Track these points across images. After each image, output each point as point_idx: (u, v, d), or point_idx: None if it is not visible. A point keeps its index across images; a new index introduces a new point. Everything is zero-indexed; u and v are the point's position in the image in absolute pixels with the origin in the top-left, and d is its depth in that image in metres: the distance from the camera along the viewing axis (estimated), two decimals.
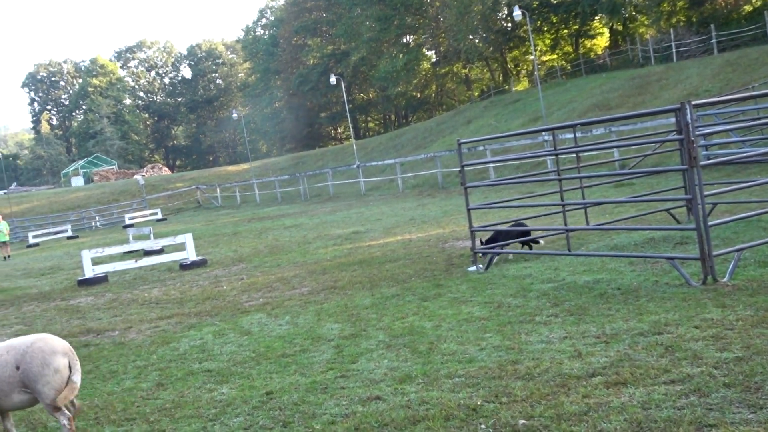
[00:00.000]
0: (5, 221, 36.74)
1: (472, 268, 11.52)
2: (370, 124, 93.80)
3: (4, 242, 34.81)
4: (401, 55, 71.78)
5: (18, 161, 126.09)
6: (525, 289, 9.53)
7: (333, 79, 51.90)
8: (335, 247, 17.89)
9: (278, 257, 17.44)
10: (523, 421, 5.02)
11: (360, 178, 41.46)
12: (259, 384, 6.83)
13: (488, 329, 7.72)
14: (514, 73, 70.74)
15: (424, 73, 76.36)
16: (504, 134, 11.26)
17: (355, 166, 43.26)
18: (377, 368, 6.83)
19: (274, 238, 22.53)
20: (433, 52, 78.39)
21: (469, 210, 12.06)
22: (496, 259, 11.76)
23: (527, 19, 43.33)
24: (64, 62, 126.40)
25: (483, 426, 5.06)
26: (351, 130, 56.90)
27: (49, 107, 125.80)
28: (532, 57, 53.03)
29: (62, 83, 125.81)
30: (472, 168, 29.08)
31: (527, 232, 12.32)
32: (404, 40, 75.45)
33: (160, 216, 48.37)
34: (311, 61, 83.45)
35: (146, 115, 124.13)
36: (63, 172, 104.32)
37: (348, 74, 72.79)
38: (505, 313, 8.39)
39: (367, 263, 14.03)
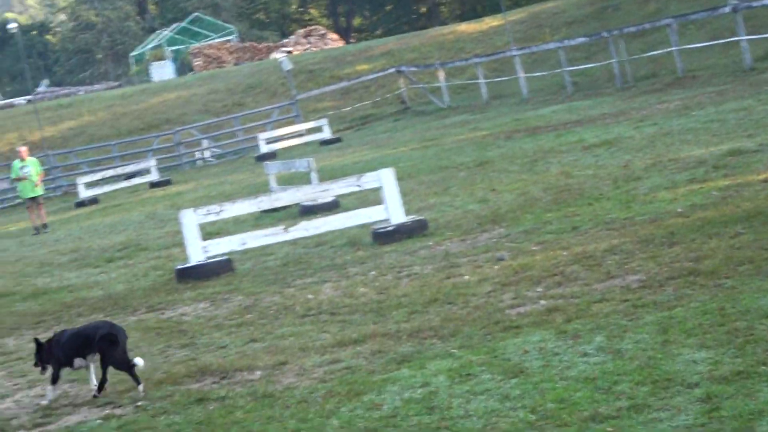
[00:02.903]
0: (33, 158, 38.98)
1: None
2: None
3: (33, 198, 36.93)
4: None
5: (48, 37, 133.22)
6: None
7: None
8: (693, 186, 17.64)
9: (573, 211, 17.44)
10: None
11: (740, 36, 40.38)
12: None
13: None
14: None
15: None
16: None
17: (728, 8, 42.21)
18: None
19: (561, 172, 22.56)
20: None
21: None
22: None
23: None
24: None
25: None
26: None
27: None
28: None
29: None
30: None
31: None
32: None
33: (327, 135, 49.40)
34: None
35: None
36: (133, 54, 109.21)
37: None
38: None
39: (765, 218, 13.79)
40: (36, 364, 12.15)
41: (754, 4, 41.99)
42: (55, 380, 11.95)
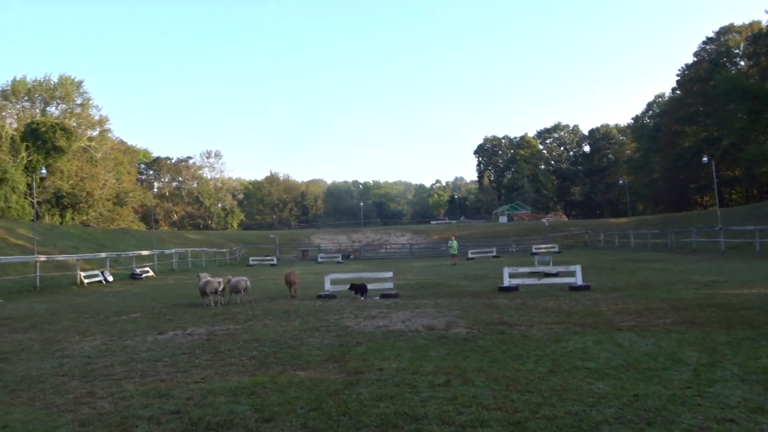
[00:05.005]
0: (456, 240, 39.40)
1: None
2: (733, 196, 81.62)
3: (453, 254, 37.38)
4: None
5: (466, 202, 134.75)
6: None
7: (705, 159, 46.62)
8: (695, 290, 15.82)
9: (647, 292, 15.94)
10: None
11: (720, 238, 36.37)
12: (628, 386, 6.31)
13: None
14: None
15: None
16: None
17: (717, 228, 38.08)
18: (731, 395, 5.88)
19: (643, 277, 20.74)
20: None
21: None
22: None
23: None
24: (503, 138, 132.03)
25: None
26: (716, 199, 50.37)
27: (489, 168, 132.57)
28: None
29: (500, 152, 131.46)
30: None
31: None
32: None
33: (557, 249, 47.66)
34: (686, 144, 76.01)
35: (554, 177, 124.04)
36: (494, 211, 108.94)
37: (717, 155, 64.41)
38: None
39: (724, 307, 12.13)
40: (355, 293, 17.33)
41: (729, 228, 37.50)
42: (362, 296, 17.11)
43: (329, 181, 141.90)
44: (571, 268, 18.25)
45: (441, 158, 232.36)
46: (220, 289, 16.85)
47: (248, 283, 17.28)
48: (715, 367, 7.07)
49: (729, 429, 4.88)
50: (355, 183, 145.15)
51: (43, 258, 26.29)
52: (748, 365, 7.09)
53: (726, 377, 6.57)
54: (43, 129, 61.30)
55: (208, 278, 17.15)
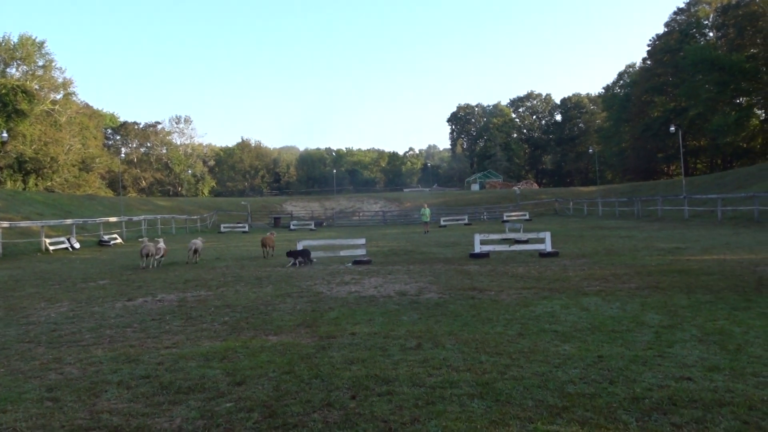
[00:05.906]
0: (428, 208, 39.54)
1: None
2: (698, 165, 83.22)
3: (426, 222, 37.55)
4: (733, 113, 63.24)
5: (439, 170, 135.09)
6: None
7: (672, 129, 47.39)
8: (659, 256, 16.23)
9: (613, 258, 16.31)
10: None
11: (685, 207, 37.21)
12: (593, 348, 6.50)
13: None
14: None
15: (752, 128, 66.00)
16: None
17: (682, 196, 38.93)
18: (689, 355, 6.11)
19: (610, 244, 21.15)
20: (763, 111, 67.45)
21: None
22: None
23: None
24: (476, 106, 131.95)
25: None
26: (682, 168, 51.36)
27: (462, 136, 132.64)
28: None
29: (473, 120, 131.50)
30: None
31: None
32: (737, 101, 66.17)
33: (527, 217, 48.25)
34: (655, 114, 77.05)
35: (526, 146, 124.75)
36: (466, 179, 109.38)
37: (684, 125, 65.49)
38: None
39: (685, 273, 12.50)
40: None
41: (693, 196, 38.32)
42: (294, 265, 16.72)
43: (302, 149, 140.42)
44: (541, 235, 18.52)
45: (414, 126, 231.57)
46: (159, 255, 18.23)
47: (163, 248, 18.64)
48: (676, 329, 7.31)
49: (686, 387, 5.07)
50: (328, 150, 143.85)
51: (5, 224, 25.66)
52: (706, 327, 7.35)
53: (685, 338, 6.81)
54: (3, 91, 59.09)
55: (146, 242, 19.01)
